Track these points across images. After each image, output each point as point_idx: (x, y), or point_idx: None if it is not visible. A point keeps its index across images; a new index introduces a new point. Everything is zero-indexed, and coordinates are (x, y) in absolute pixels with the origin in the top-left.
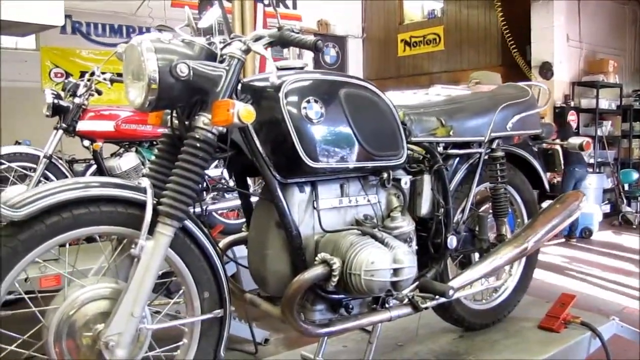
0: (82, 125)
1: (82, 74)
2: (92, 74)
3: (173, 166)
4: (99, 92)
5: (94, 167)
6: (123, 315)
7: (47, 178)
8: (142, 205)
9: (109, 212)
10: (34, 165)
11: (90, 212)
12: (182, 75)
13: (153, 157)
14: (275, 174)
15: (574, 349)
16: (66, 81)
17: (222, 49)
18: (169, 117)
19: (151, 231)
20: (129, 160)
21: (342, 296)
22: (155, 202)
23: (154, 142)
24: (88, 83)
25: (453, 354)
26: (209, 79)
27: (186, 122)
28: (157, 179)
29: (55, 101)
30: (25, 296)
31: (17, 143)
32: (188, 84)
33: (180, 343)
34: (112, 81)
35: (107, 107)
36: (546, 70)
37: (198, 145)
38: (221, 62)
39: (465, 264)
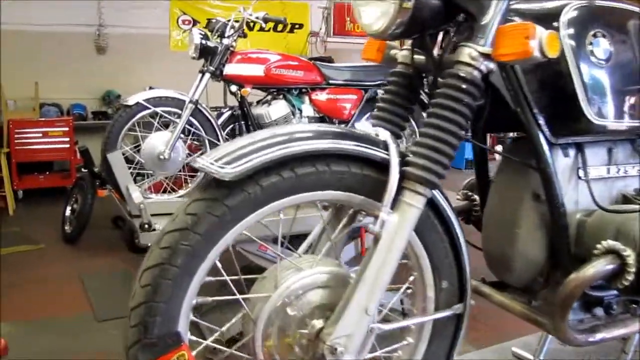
0: (230, 69)
1: (209, 22)
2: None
3: (408, 114)
4: (244, 35)
5: (226, 114)
6: (355, 312)
7: (191, 125)
8: (382, 166)
9: (340, 172)
10: (179, 111)
11: (318, 172)
12: None
13: (380, 103)
14: (545, 130)
15: None
16: (214, 20)
17: None
18: (394, 51)
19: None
20: (278, 108)
21: (604, 293)
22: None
23: (303, 90)
24: (236, 24)
25: None
26: None
27: (436, 56)
28: (390, 131)
29: (203, 42)
30: (227, 278)
31: (150, 89)
32: (448, 3)
33: (404, 343)
34: (265, 20)
35: (255, 50)
36: None
37: (463, 86)
38: None
39: None
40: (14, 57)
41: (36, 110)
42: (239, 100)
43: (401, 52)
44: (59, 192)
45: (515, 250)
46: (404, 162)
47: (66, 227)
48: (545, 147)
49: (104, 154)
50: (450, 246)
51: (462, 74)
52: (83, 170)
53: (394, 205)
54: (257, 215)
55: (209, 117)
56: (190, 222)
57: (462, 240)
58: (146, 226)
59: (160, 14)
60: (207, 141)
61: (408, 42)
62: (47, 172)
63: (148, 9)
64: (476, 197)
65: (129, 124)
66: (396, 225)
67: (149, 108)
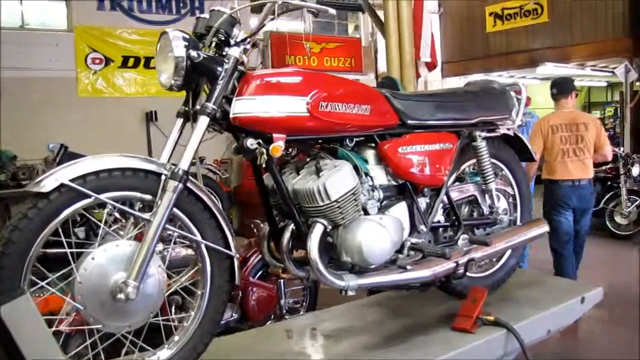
0: (243, 107)
1: (126, 60)
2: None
3: None
4: (255, 44)
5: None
6: None
7: (172, 220)
8: None
9: None
10: (148, 197)
11: None
12: None
13: None
14: None
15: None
16: (203, 17)
17: None
18: None
19: None
20: (341, 178)
21: None
22: None
23: (360, 138)
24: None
25: None
26: None
27: None
28: None
29: (194, 54)
30: None
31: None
32: None
33: None
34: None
35: (281, 70)
36: None
37: None
38: None
39: None
40: None
41: None
42: (262, 163)
43: None
44: None
45: None
46: None
47: None
48: None
49: None
50: None
51: None
52: None
53: None
54: None
55: (208, 202)
56: None
57: None
58: None
59: (64, 51)
60: (204, 248)
61: None
62: None
63: (48, 46)
64: None
65: (44, 234)
66: None
67: (88, 196)
